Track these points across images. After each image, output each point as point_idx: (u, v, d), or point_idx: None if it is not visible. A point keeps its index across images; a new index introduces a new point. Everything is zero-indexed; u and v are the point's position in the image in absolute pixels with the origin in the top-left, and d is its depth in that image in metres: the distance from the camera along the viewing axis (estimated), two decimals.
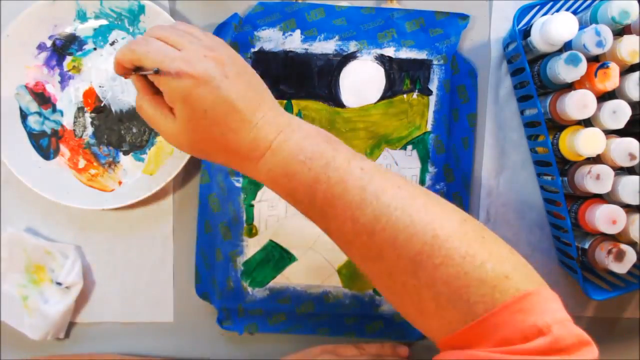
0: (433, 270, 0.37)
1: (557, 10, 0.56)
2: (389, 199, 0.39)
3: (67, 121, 0.57)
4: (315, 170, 0.40)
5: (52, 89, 0.57)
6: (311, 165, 0.40)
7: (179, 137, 0.43)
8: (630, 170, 0.56)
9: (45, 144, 0.57)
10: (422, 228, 0.38)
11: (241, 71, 0.42)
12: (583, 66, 0.50)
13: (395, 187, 0.40)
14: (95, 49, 0.57)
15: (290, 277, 0.58)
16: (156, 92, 0.44)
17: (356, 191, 0.39)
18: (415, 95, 0.57)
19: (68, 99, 0.57)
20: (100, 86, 0.57)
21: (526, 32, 0.55)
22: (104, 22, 0.57)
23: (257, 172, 0.43)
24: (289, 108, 0.57)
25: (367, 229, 0.39)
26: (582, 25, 0.52)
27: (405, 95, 0.57)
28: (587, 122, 0.54)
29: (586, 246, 0.55)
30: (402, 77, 0.57)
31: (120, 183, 0.58)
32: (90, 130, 0.58)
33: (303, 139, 0.41)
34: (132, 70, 0.44)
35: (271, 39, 0.56)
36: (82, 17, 0.56)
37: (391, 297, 0.41)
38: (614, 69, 0.51)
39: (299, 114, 0.57)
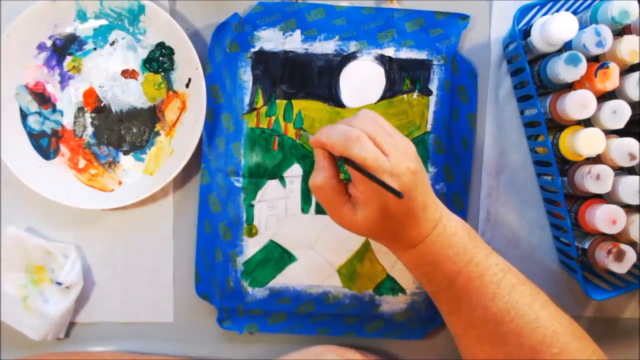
0: (550, 359, 0.45)
1: (557, 10, 0.56)
2: (518, 296, 0.46)
3: (67, 121, 0.57)
4: (458, 265, 0.46)
5: (52, 89, 0.57)
6: (456, 260, 0.46)
7: (355, 226, 0.46)
8: (630, 170, 0.56)
9: (45, 144, 0.57)
10: (544, 323, 0.45)
11: (424, 176, 0.45)
12: (583, 66, 0.51)
13: (521, 284, 0.47)
14: (95, 49, 0.57)
15: (290, 277, 0.58)
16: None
17: (491, 285, 0.46)
18: (415, 95, 0.57)
19: (68, 99, 0.57)
20: (100, 86, 0.57)
21: (526, 32, 0.55)
22: (104, 22, 0.57)
23: (405, 254, 0.47)
24: (289, 108, 0.57)
25: (497, 317, 0.46)
26: (582, 25, 0.52)
27: (405, 96, 0.57)
28: (587, 122, 0.54)
29: (586, 246, 0.55)
30: (402, 77, 0.57)
31: (120, 183, 0.58)
32: (90, 130, 0.58)
33: (452, 235, 0.46)
34: (330, 154, 0.45)
35: (271, 39, 0.56)
36: (82, 17, 0.56)
37: None
38: (614, 69, 0.51)
39: (299, 114, 0.57)
